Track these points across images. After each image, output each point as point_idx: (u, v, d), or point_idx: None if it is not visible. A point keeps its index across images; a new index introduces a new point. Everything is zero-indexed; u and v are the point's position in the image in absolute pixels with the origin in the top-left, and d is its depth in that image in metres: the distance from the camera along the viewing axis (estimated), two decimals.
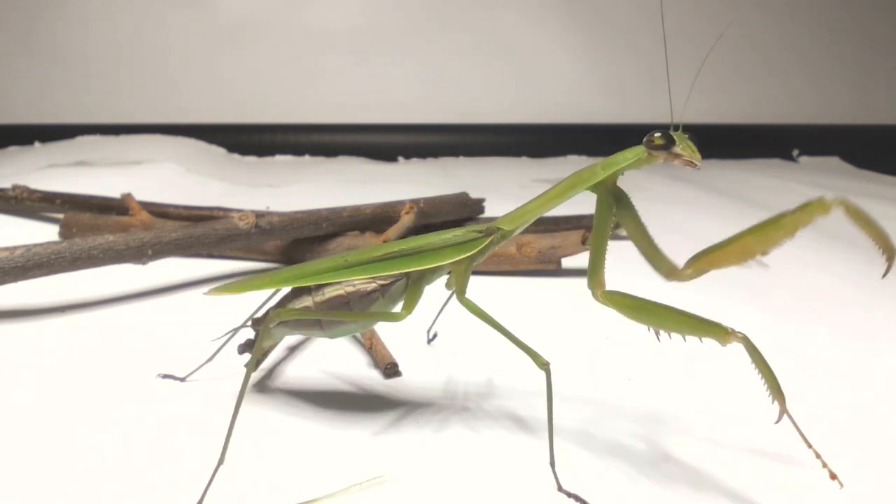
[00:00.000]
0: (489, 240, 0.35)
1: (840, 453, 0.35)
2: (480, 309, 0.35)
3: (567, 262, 0.65)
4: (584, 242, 0.63)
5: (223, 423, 0.31)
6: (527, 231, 0.73)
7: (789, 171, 1.41)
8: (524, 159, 1.56)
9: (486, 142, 1.60)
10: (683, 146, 0.31)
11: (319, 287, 0.36)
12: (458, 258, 0.34)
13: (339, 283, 0.35)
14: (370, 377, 0.43)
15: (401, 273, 0.35)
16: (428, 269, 0.35)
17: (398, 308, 0.36)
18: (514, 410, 0.39)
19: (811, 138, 1.63)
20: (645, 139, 0.31)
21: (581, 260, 0.66)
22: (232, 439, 0.32)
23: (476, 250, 0.34)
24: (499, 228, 0.35)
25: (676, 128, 0.32)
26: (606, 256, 0.33)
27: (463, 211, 0.77)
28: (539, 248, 0.64)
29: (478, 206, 0.79)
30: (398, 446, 0.35)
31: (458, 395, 0.41)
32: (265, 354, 0.43)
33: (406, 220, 0.67)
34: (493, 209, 0.80)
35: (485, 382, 0.43)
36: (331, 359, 0.46)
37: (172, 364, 0.45)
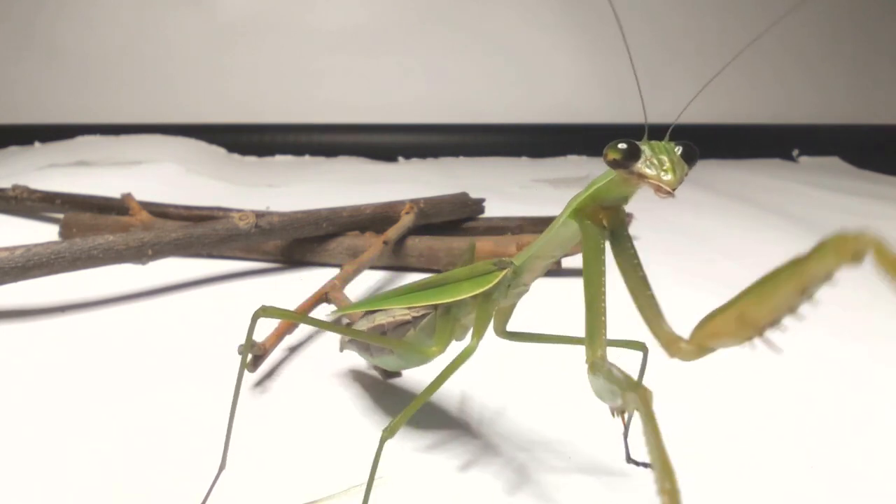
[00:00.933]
0: (502, 274, 0.31)
1: (840, 453, 0.36)
2: (526, 333, 0.33)
3: (567, 262, 0.65)
4: None
5: (222, 421, 0.31)
6: (527, 231, 0.73)
7: (789, 171, 1.41)
8: (524, 159, 1.57)
9: (486, 142, 1.60)
10: (648, 163, 0.23)
11: (372, 313, 0.37)
12: (474, 293, 0.31)
13: (385, 310, 0.35)
14: (370, 377, 0.43)
15: (429, 305, 0.34)
16: (451, 303, 0.32)
17: (431, 345, 0.34)
18: (514, 411, 0.39)
19: (811, 138, 1.63)
20: (604, 150, 0.24)
21: (581, 260, 0.66)
22: (232, 440, 0.32)
23: (490, 284, 0.31)
24: (512, 262, 0.31)
25: (657, 134, 0.24)
26: (607, 314, 0.25)
27: (463, 211, 0.77)
28: None
29: (478, 206, 0.79)
30: (398, 446, 0.35)
31: (459, 395, 0.41)
32: (264, 355, 0.43)
33: (406, 220, 0.67)
34: (493, 209, 0.81)
35: (485, 383, 0.43)
36: (331, 359, 0.46)
37: (171, 364, 0.45)
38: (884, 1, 1.68)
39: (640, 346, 0.33)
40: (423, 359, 0.34)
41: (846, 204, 1.03)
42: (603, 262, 0.26)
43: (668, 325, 0.25)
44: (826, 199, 1.06)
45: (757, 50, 1.64)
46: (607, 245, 0.26)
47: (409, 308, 0.34)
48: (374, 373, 0.44)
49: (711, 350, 0.23)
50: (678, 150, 0.24)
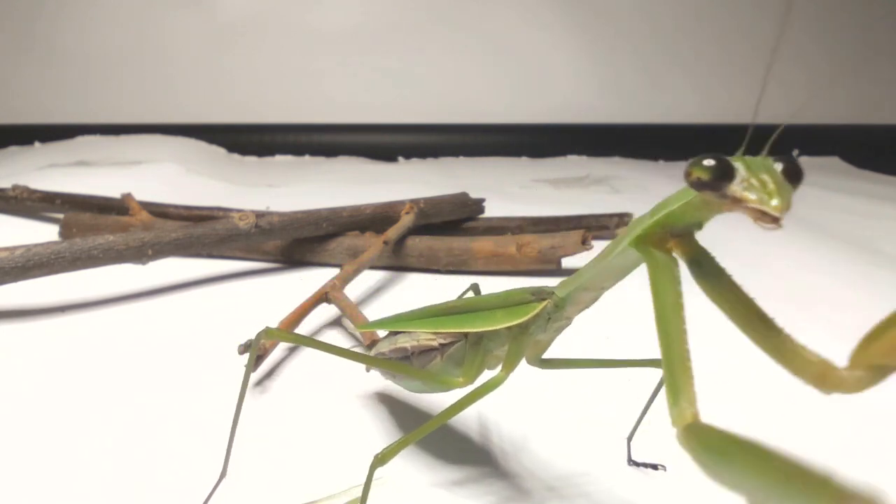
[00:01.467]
0: (542, 306, 0.28)
1: (839, 451, 0.36)
2: (563, 360, 0.31)
3: (567, 262, 0.65)
4: (583, 242, 0.63)
5: (222, 423, 0.31)
6: (527, 231, 0.73)
7: None
8: (524, 159, 1.57)
9: (486, 142, 1.60)
10: (747, 185, 0.19)
11: (395, 334, 0.34)
12: (508, 324, 0.28)
13: (409, 333, 0.33)
14: (370, 378, 0.43)
15: (459, 333, 0.30)
16: (483, 332, 0.29)
17: (457, 375, 0.31)
18: (513, 411, 0.39)
19: (811, 138, 1.63)
20: (685, 168, 0.20)
21: (581, 260, 0.66)
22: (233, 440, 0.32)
23: (528, 317, 0.27)
24: (553, 293, 0.28)
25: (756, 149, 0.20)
26: (691, 359, 0.21)
27: (463, 211, 0.77)
28: (539, 248, 0.64)
29: (478, 206, 0.79)
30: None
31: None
32: (265, 355, 0.43)
33: (406, 220, 0.68)
34: (493, 209, 0.81)
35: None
36: (331, 359, 0.46)
37: (171, 364, 0.45)
38: (883, 1, 1.68)
39: (659, 364, 0.31)
40: (448, 388, 0.31)
41: (846, 204, 1.03)
42: (680, 297, 0.21)
43: (813, 353, 0.20)
44: (826, 199, 1.06)
45: (757, 50, 1.64)
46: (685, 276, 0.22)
47: (435, 333, 0.31)
48: (374, 373, 0.44)
49: (889, 371, 0.19)
50: (778, 166, 0.20)
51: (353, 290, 0.59)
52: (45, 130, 1.49)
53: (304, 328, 0.50)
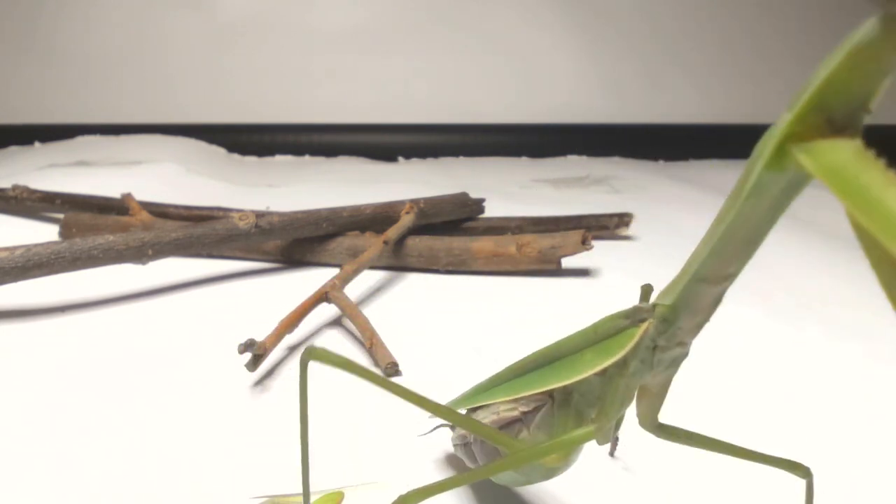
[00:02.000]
0: (642, 330, 0.21)
1: (837, 450, 0.36)
2: (694, 435, 0.24)
3: (567, 262, 0.65)
4: (583, 242, 0.63)
5: (220, 423, 0.31)
6: (527, 231, 0.73)
7: None
8: (524, 159, 1.57)
9: (486, 142, 1.60)
10: None
11: (474, 410, 0.28)
12: (600, 366, 0.22)
13: (488, 406, 0.27)
14: (373, 376, 0.43)
15: (541, 393, 0.25)
16: (571, 385, 0.23)
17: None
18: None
19: None
20: None
21: (581, 260, 0.66)
22: (230, 436, 0.32)
23: (625, 350, 0.21)
24: (656, 306, 0.21)
25: None
26: None
27: (463, 211, 0.77)
28: (539, 248, 0.64)
29: (478, 206, 0.79)
30: (398, 446, 0.35)
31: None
32: (265, 355, 0.43)
33: (406, 220, 0.68)
34: (493, 209, 0.81)
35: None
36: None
37: (171, 363, 0.45)
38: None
39: (802, 470, 0.24)
40: (544, 470, 0.24)
41: None
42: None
43: None
44: (826, 199, 1.06)
45: (757, 50, 1.64)
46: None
47: (515, 400, 0.25)
48: (375, 372, 0.44)
49: None
50: None
51: (353, 290, 0.59)
52: (45, 130, 1.49)
53: (304, 328, 0.50)
